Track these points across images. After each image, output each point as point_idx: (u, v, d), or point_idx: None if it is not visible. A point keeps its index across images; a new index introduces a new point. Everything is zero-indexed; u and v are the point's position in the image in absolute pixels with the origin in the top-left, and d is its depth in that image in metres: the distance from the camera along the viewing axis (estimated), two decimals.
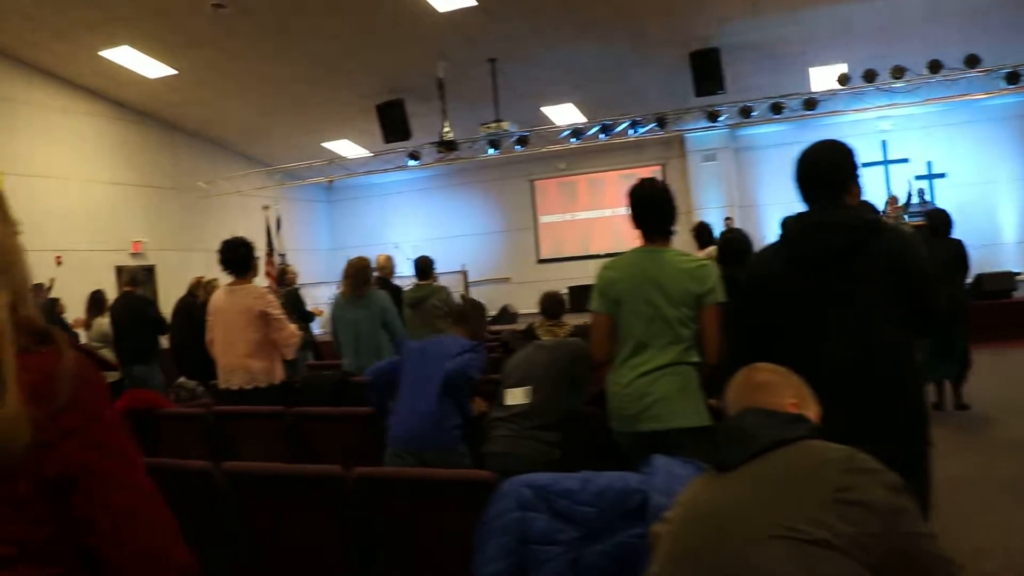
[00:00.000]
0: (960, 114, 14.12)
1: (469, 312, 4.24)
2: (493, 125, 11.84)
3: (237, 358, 4.81)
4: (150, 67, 11.70)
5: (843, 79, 11.11)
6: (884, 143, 14.60)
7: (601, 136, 12.67)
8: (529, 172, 16.92)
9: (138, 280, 8.00)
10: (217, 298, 5.06)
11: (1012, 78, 10.96)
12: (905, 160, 14.49)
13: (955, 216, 6.81)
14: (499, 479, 2.49)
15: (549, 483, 2.35)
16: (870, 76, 11.38)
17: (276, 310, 4.89)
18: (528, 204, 17.21)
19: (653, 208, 3.17)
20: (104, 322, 7.91)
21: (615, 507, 2.24)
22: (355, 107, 13.28)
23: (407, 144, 13.06)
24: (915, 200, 13.66)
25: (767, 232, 14.55)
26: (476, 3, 10.14)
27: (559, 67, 12.35)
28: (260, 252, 14.46)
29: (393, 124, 12.68)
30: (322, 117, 13.95)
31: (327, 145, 15.20)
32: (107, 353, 7.64)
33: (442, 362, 3.68)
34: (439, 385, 3.61)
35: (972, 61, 10.90)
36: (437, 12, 10.32)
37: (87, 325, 8.16)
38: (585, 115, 13.90)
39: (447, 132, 11.98)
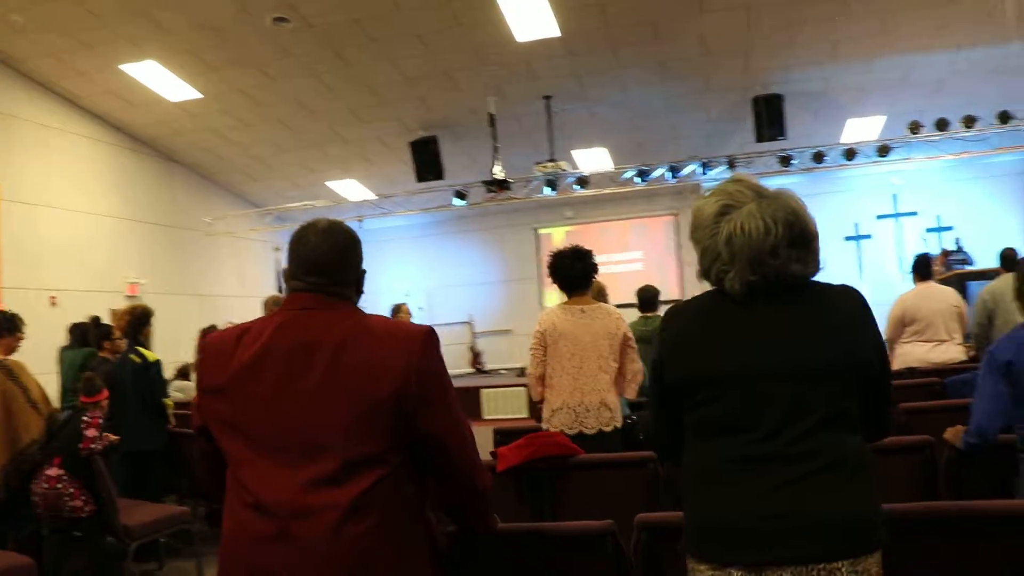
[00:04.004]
0: (968, 170, 14.48)
1: None
2: (550, 165, 11.22)
3: (597, 394, 4.00)
4: (173, 87, 10.57)
5: (915, 127, 11.04)
6: (895, 196, 14.80)
7: (637, 181, 12.20)
8: (535, 220, 16.35)
9: None
10: (559, 320, 4.21)
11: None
12: (914, 213, 14.71)
13: None
14: None
15: None
16: (915, 128, 11.44)
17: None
18: (532, 253, 16.58)
19: None
20: None
21: None
22: (383, 144, 12.49)
23: (439, 183, 12.29)
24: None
25: None
26: (560, 34, 9.61)
27: (606, 108, 11.93)
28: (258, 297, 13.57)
29: (426, 162, 11.92)
30: (343, 155, 13.02)
31: (332, 184, 14.21)
32: None
33: None
34: None
35: (970, 121, 11.14)
36: (515, 41, 9.73)
37: None
38: (615, 161, 13.49)
39: (498, 170, 11.28)
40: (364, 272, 2.17)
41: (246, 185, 14.40)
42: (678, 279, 15.81)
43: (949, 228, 14.67)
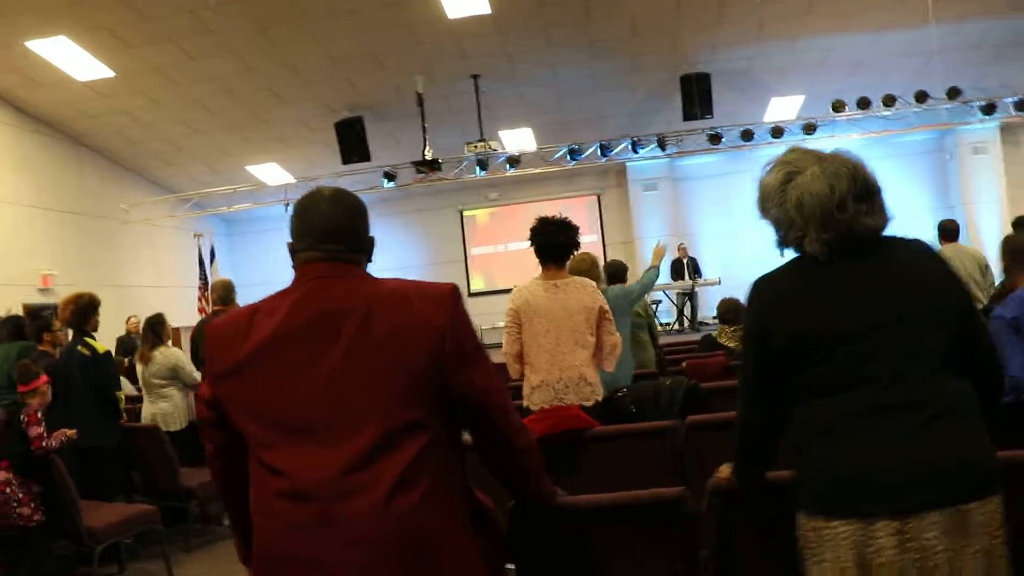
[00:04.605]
0: (880, 148, 14.95)
1: None
2: (480, 145, 11.07)
3: (575, 369, 3.90)
4: (84, 66, 10.00)
5: (838, 106, 11.29)
6: None
7: (569, 160, 12.20)
8: (459, 202, 16.19)
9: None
10: (533, 297, 4.07)
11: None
12: None
13: None
14: None
15: None
16: (838, 106, 11.73)
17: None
18: (457, 235, 16.44)
19: None
20: None
21: None
22: (306, 126, 12.14)
23: (365, 165, 12.03)
24: None
25: (708, 260, 14.70)
26: (490, 11, 9.46)
27: (534, 88, 11.86)
28: (190, 286, 13.08)
29: (352, 143, 11.64)
30: (264, 138, 12.60)
31: (252, 169, 13.75)
32: None
33: None
34: None
35: (889, 100, 11.55)
36: (446, 18, 9.53)
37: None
38: (539, 141, 13.42)
39: (428, 151, 11.09)
40: (373, 239, 2.03)
41: (161, 171, 13.81)
42: (601, 258, 15.93)
43: None
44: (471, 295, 16.18)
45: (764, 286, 2.04)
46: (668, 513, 2.29)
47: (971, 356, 1.93)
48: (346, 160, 11.69)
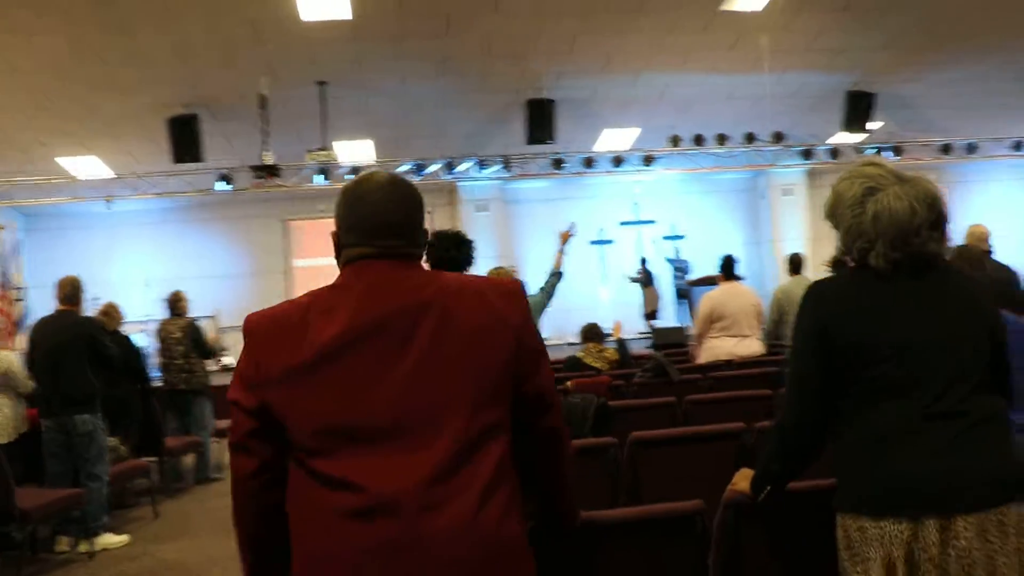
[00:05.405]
0: (699, 184, 15.87)
1: None
2: (322, 154, 10.73)
3: None
4: None
5: (675, 140, 11.86)
6: (636, 205, 15.84)
7: (416, 176, 12.09)
8: (285, 212, 15.59)
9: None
10: None
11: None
12: (652, 221, 15.86)
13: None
14: None
15: None
16: (676, 141, 12.38)
17: None
18: (281, 246, 15.81)
19: None
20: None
21: None
22: (137, 121, 11.30)
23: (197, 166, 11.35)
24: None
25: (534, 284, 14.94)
26: (351, 17, 9.20)
27: (380, 99, 11.65)
28: None
29: (185, 142, 10.96)
30: (86, 129, 11.57)
31: (63, 161, 12.59)
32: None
33: None
34: None
35: (721, 139, 12.43)
36: (300, 21, 9.17)
37: None
38: (379, 154, 13.21)
39: (268, 155, 10.62)
40: (428, 233, 1.94)
41: None
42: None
43: (682, 236, 15.98)
44: None
45: (825, 291, 2.16)
46: (686, 527, 2.29)
47: (995, 373, 2.11)
48: (178, 159, 10.97)
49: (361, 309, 1.68)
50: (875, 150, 13.17)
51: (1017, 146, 13.11)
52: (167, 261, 15.12)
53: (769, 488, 2.20)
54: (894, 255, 2.01)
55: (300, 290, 13.45)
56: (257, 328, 1.73)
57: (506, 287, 1.82)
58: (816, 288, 2.18)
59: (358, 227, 1.78)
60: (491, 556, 1.61)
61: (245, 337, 1.73)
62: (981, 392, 2.02)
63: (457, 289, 1.75)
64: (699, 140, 12.09)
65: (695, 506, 2.28)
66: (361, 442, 1.62)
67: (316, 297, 1.74)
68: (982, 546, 1.90)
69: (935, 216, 2.02)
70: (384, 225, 1.77)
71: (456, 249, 4.19)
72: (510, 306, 1.77)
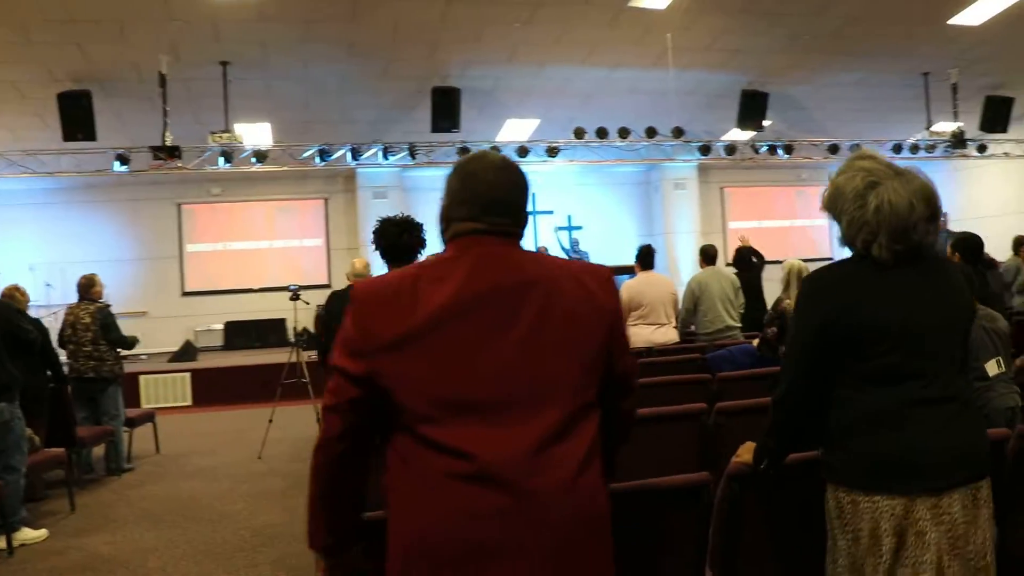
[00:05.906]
0: (596, 176, 16.19)
1: None
2: (224, 136, 10.48)
3: None
4: None
5: (579, 132, 12.07)
6: (534, 196, 16.01)
7: (318, 161, 11.93)
8: (178, 195, 15.11)
9: None
10: None
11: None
12: (550, 212, 16.10)
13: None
14: None
15: None
16: (580, 133, 12.64)
17: None
18: (174, 231, 15.32)
19: None
20: None
21: None
22: (19, 93, 10.77)
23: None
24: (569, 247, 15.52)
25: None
26: None
27: (282, 82, 11.47)
28: None
29: (76, 119, 10.51)
30: None
31: None
32: None
33: None
34: None
35: (614, 132, 12.75)
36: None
37: None
38: (277, 138, 12.96)
39: (169, 136, 10.30)
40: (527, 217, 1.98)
41: None
42: (326, 261, 15.85)
43: (579, 227, 16.28)
44: (185, 295, 15.21)
45: (826, 277, 2.25)
46: (694, 498, 2.38)
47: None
48: (68, 137, 10.52)
49: (470, 280, 1.74)
50: (767, 147, 13.72)
51: (897, 148, 13.83)
52: (53, 245, 14.47)
53: (767, 461, 2.32)
54: (896, 248, 2.12)
55: (193, 276, 13.11)
56: (367, 296, 1.77)
57: (602, 274, 1.90)
58: (818, 275, 2.26)
59: (471, 202, 1.84)
60: (587, 523, 1.71)
61: (353, 304, 1.77)
62: (959, 375, 2.19)
63: (558, 271, 1.83)
64: (602, 133, 12.37)
65: (701, 478, 2.39)
66: (466, 412, 1.68)
67: (425, 268, 1.80)
68: (964, 519, 2.06)
69: (931, 211, 2.13)
70: (496, 202, 1.83)
71: (408, 234, 4.20)
72: (606, 292, 1.86)
